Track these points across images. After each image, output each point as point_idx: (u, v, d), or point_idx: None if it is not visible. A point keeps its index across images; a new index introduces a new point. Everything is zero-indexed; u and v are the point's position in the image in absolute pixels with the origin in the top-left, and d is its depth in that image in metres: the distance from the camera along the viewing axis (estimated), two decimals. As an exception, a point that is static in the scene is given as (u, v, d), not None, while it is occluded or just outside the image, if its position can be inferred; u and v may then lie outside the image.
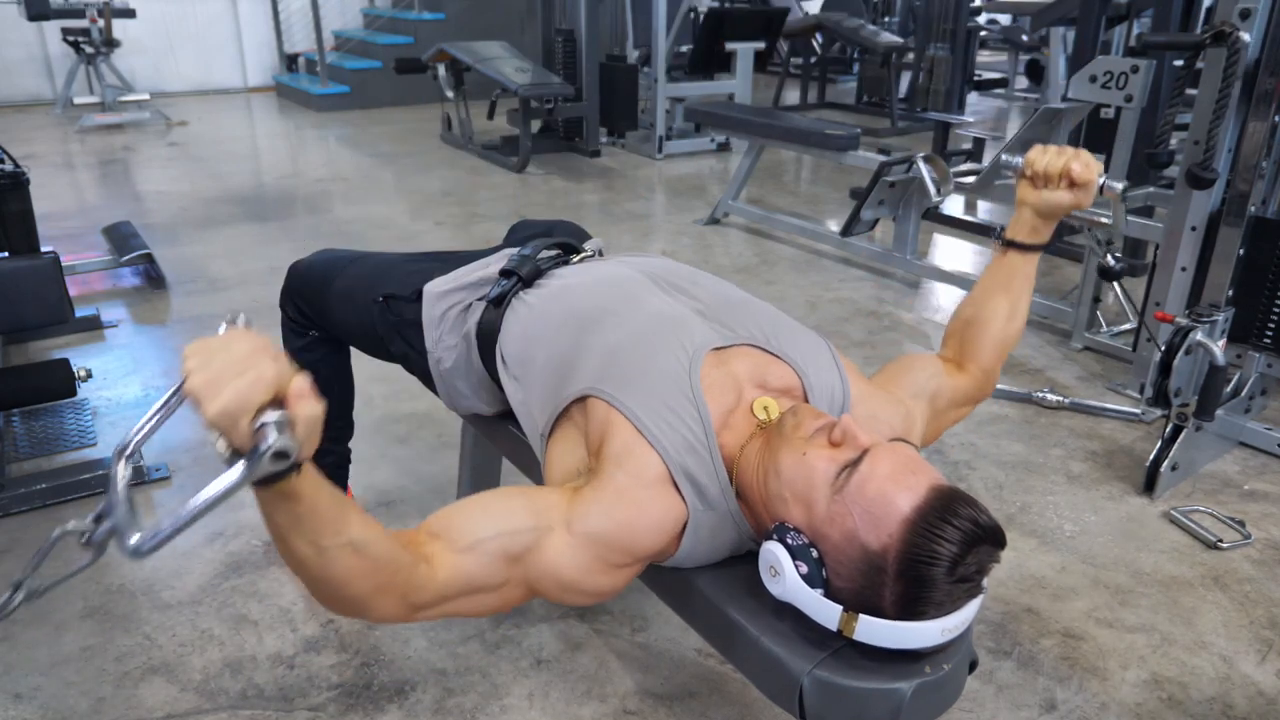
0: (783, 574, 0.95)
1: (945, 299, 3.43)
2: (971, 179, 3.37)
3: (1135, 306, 1.93)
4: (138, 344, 2.90)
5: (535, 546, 0.99)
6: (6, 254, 2.17)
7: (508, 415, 1.47)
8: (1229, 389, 2.36)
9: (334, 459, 1.83)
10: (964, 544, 0.88)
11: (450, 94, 5.63)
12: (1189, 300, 2.34)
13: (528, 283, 1.38)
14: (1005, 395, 2.58)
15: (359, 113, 7.19)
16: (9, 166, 2.26)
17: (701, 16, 6.08)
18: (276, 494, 0.79)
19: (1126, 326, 2.94)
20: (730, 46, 5.82)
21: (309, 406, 0.74)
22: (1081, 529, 2.01)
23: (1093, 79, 2.76)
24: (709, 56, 5.85)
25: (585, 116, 5.67)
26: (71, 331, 2.92)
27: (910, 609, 0.90)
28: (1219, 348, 2.02)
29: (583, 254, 1.48)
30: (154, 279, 3.41)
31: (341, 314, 1.58)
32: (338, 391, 1.78)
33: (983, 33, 7.63)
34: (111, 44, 6.42)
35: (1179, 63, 2.91)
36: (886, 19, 8.78)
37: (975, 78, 7.84)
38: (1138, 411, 2.47)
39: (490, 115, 5.73)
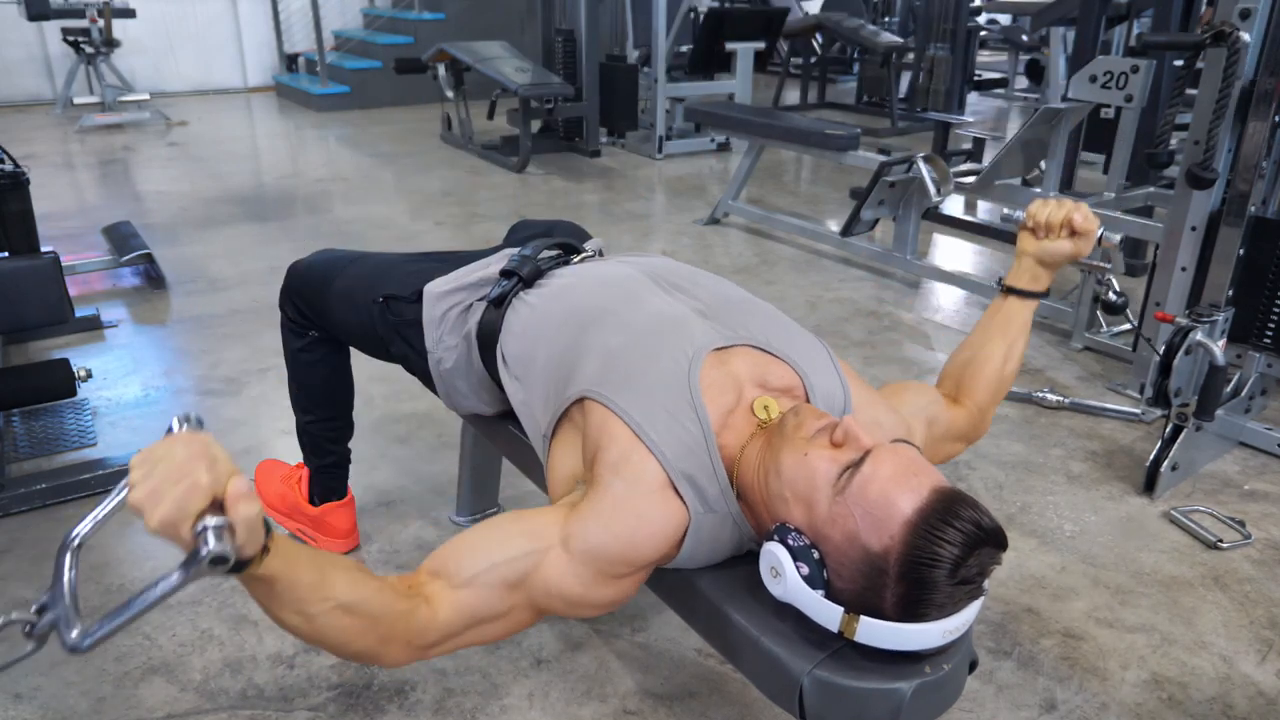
0: (784, 575, 0.95)
1: (945, 299, 3.43)
2: (971, 179, 3.37)
3: (1130, 312, 1.94)
4: (138, 344, 2.90)
5: (535, 570, 1.00)
6: (6, 254, 2.17)
7: (508, 415, 1.47)
8: (1229, 389, 2.36)
9: (334, 459, 1.83)
10: (966, 546, 0.88)
11: (450, 94, 5.63)
12: (1189, 300, 2.34)
13: (528, 283, 1.38)
14: (1006, 395, 2.58)
15: (359, 113, 7.19)
16: (9, 166, 2.26)
17: (701, 16, 6.08)
18: (248, 579, 0.82)
19: (1126, 327, 2.94)
20: (730, 46, 5.82)
21: (246, 508, 0.76)
22: (1081, 529, 2.01)
23: (1093, 79, 2.76)
24: (709, 56, 5.85)
25: (585, 116, 5.67)
26: (71, 331, 2.92)
27: (911, 611, 0.90)
28: (1219, 348, 2.02)
29: (583, 254, 1.48)
30: (154, 279, 3.41)
31: (341, 314, 1.58)
32: (338, 392, 1.78)
33: (983, 33, 7.63)
34: (111, 44, 6.42)
35: (1179, 63, 2.91)
36: (886, 19, 8.78)
37: (975, 78, 7.83)
38: (1138, 411, 2.47)
39: (490, 115, 5.73)
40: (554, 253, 1.47)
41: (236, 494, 0.76)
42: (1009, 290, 1.36)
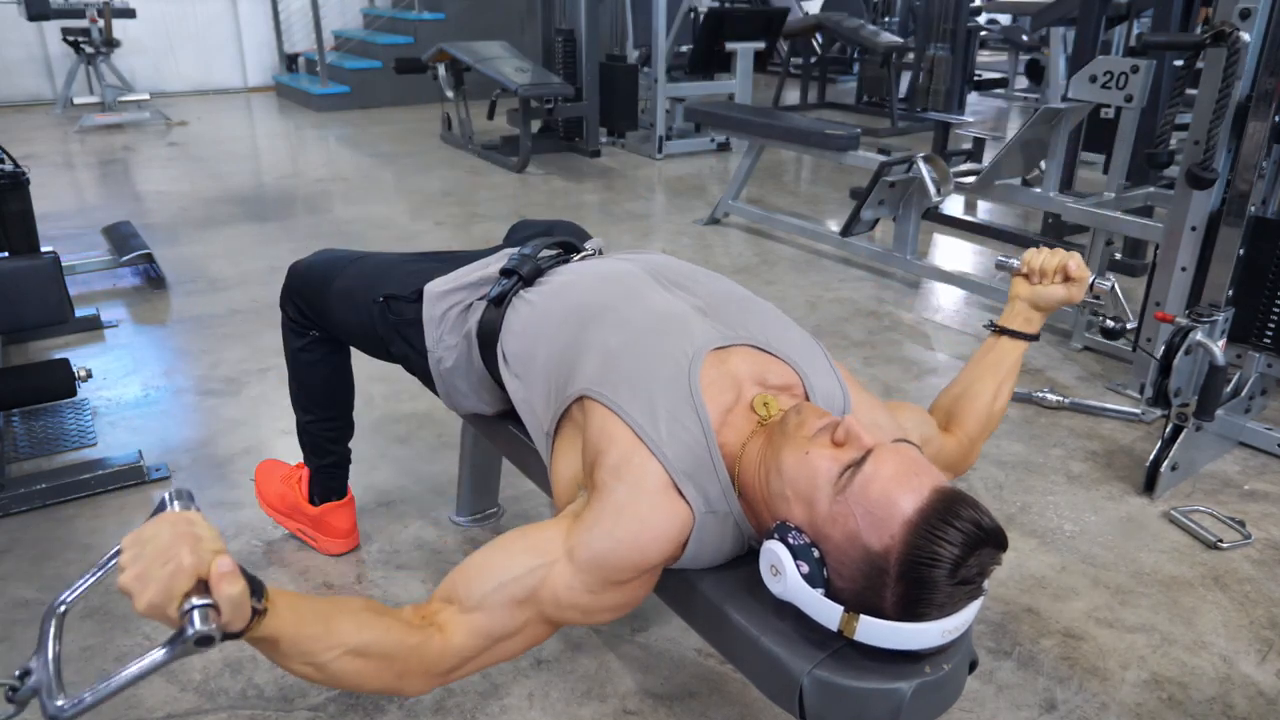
0: (784, 573, 0.95)
1: (945, 299, 3.43)
2: (971, 179, 3.37)
3: (1130, 312, 1.94)
4: (138, 344, 2.90)
5: (542, 585, 1.01)
6: (6, 254, 2.17)
7: (508, 415, 1.47)
8: (1229, 389, 2.36)
9: (334, 459, 1.83)
10: (966, 546, 0.88)
11: (450, 94, 5.63)
12: (1189, 300, 2.34)
13: (528, 281, 1.38)
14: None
15: (359, 113, 7.19)
16: (9, 166, 2.26)
17: (701, 16, 6.08)
18: (251, 640, 0.84)
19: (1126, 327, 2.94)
20: (730, 46, 5.82)
21: (228, 588, 0.77)
22: (1081, 529, 2.01)
23: (1093, 79, 2.76)
24: (709, 56, 5.85)
25: (585, 116, 5.67)
26: (71, 331, 2.92)
27: (911, 610, 0.90)
28: (1219, 348, 2.02)
29: (583, 253, 1.48)
30: (154, 279, 3.41)
31: (341, 314, 1.58)
32: (338, 391, 1.78)
33: (983, 33, 7.63)
34: (111, 44, 6.42)
35: (1179, 63, 2.91)
36: (886, 19, 8.78)
37: (975, 78, 7.84)
38: (1138, 411, 2.47)
39: (490, 115, 5.73)
40: (554, 252, 1.47)
41: (220, 575, 0.77)
42: (1001, 331, 1.38)
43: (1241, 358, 2.39)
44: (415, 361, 1.49)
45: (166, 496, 0.84)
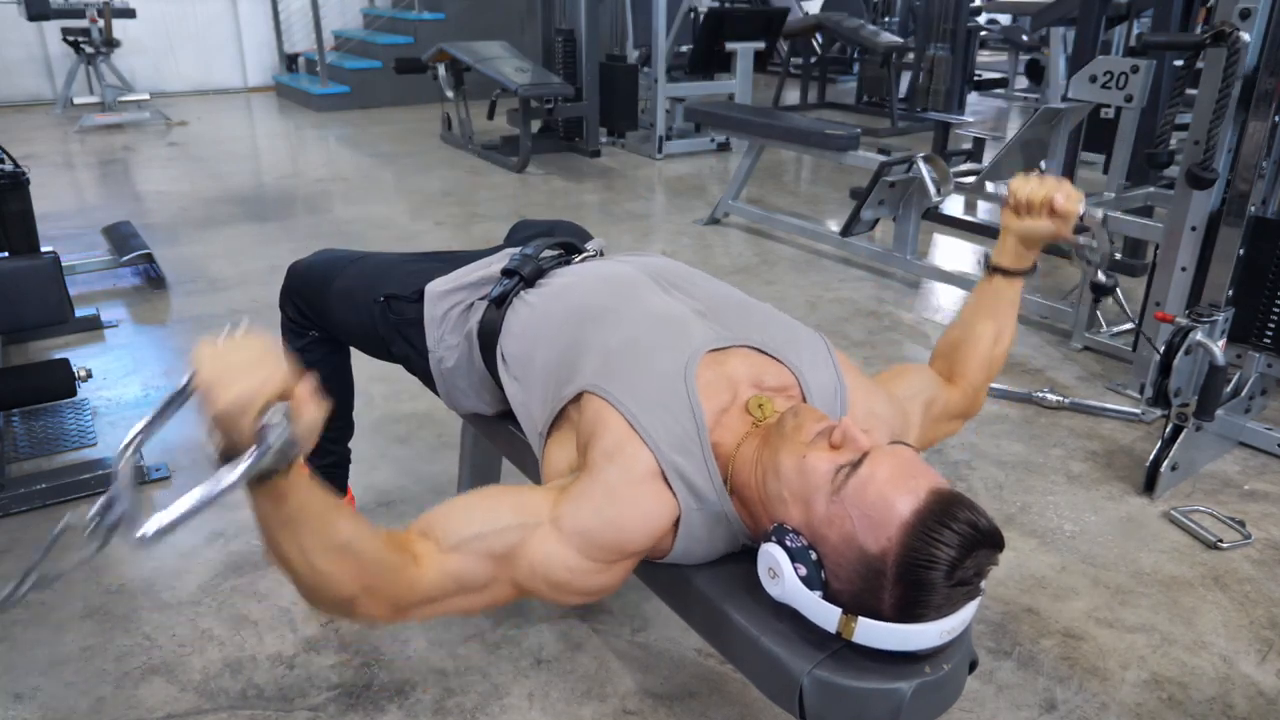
0: (782, 576, 0.95)
1: (945, 299, 3.43)
2: (971, 179, 3.37)
3: (1130, 311, 1.93)
4: (138, 344, 2.90)
5: (521, 545, 1.00)
6: (6, 254, 2.17)
7: (508, 415, 1.47)
8: (1229, 389, 2.36)
9: (334, 459, 1.83)
10: (963, 548, 0.88)
11: (450, 94, 5.63)
12: (1189, 300, 2.34)
13: (530, 282, 1.38)
14: (1005, 395, 2.58)
15: (359, 113, 7.19)
16: (9, 166, 2.26)
17: (701, 16, 6.08)
18: (266, 494, 0.81)
19: (1126, 326, 2.94)
20: (730, 46, 5.82)
21: (313, 409, 0.77)
22: (1081, 529, 2.01)
23: (1093, 79, 2.76)
24: (709, 56, 5.85)
25: (585, 116, 5.67)
26: (71, 331, 2.92)
27: (909, 612, 0.90)
28: (1219, 348, 2.02)
29: (584, 254, 1.48)
30: (154, 279, 3.41)
31: (342, 314, 1.58)
32: (338, 391, 1.78)
33: (983, 33, 7.63)
34: (111, 44, 6.42)
35: (1179, 63, 2.91)
36: (886, 19, 8.78)
37: (975, 78, 7.84)
38: (1138, 411, 2.47)
39: (490, 115, 5.73)
40: (555, 252, 1.47)
41: (306, 393, 0.76)
42: (994, 269, 1.35)
43: (1241, 358, 2.39)
44: (416, 361, 1.49)
45: (231, 326, 0.82)
